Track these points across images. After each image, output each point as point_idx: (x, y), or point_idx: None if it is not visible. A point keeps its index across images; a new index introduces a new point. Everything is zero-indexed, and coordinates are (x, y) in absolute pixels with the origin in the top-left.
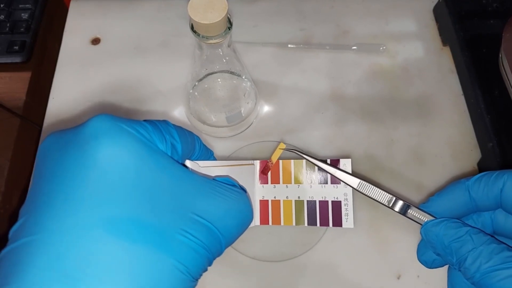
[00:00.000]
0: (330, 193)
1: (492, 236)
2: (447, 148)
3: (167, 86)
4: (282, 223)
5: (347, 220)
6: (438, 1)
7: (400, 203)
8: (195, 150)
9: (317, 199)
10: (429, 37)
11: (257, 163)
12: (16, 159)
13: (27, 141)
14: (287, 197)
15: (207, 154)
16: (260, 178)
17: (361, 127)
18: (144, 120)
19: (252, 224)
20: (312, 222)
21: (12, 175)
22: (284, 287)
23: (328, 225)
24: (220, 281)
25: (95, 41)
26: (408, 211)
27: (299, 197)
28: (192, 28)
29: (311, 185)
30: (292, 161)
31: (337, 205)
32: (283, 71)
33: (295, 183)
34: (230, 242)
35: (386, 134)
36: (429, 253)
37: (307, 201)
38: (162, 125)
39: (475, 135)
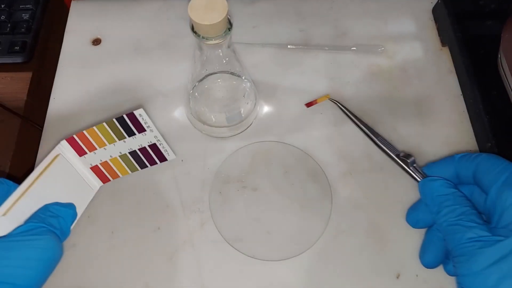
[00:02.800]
0: (143, 140)
1: (473, 204)
2: (446, 148)
3: (167, 87)
4: (120, 176)
5: (169, 154)
6: (437, 2)
7: (411, 158)
8: None
9: (135, 148)
10: (428, 37)
11: (65, 143)
12: (17, 159)
13: (28, 142)
14: (110, 156)
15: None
16: (77, 152)
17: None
18: None
19: (95, 187)
20: (142, 165)
21: (13, 175)
22: (283, 287)
23: (155, 163)
24: (220, 280)
25: (96, 42)
26: (414, 165)
27: (120, 152)
28: (192, 29)
29: (124, 140)
30: (94, 127)
31: (154, 147)
32: (282, 72)
33: (110, 143)
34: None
35: (385, 135)
36: (415, 214)
37: (129, 152)
38: None
39: (474, 135)
